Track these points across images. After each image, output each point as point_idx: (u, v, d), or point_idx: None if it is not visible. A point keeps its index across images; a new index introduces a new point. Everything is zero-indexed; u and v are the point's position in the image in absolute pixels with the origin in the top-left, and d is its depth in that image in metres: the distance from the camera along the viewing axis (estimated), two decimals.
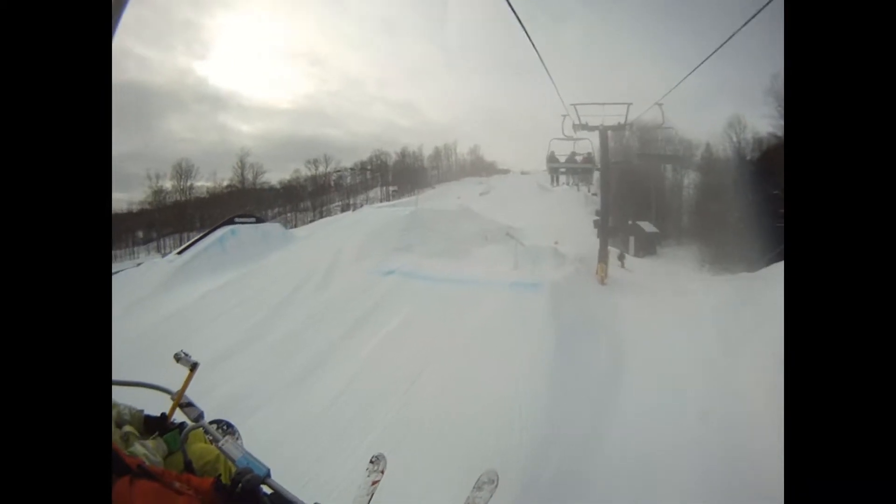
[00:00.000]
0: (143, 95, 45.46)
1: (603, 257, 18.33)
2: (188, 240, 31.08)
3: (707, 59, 11.43)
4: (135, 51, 47.23)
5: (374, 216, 22.71)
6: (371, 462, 3.97)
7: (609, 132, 17.88)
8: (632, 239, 26.39)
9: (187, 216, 43.22)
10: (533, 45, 8.35)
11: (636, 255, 25.80)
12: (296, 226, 43.07)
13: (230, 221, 28.91)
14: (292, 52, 76.09)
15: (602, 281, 18.01)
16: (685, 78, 13.77)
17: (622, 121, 17.24)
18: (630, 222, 26.97)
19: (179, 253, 27.01)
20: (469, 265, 16.89)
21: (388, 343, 12.42)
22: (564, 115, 17.70)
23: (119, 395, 2.62)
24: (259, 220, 30.63)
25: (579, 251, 20.79)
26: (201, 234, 28.92)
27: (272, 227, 29.41)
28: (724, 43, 9.02)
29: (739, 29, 7.76)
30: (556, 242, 19.22)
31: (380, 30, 76.68)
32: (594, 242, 20.47)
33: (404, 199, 44.51)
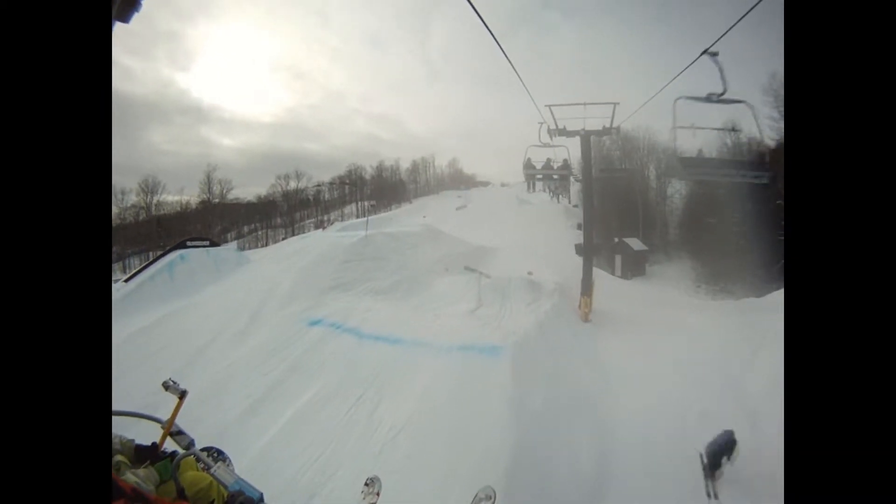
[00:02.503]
0: (125, 106, 41.51)
1: (586, 289, 14.14)
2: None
3: (702, 54, 8.14)
4: (117, 60, 43.41)
5: (319, 242, 18.43)
6: (366, 484, 3.59)
7: (592, 137, 13.75)
8: (618, 258, 22.27)
9: (154, 233, 38.62)
10: (503, 52, 6.73)
11: (623, 276, 21.66)
12: (266, 244, 38.97)
13: (182, 245, 25.39)
14: (275, 64, 72.30)
15: (586, 317, 13.85)
16: (685, 69, 10.00)
17: (607, 124, 13.17)
18: (616, 240, 22.82)
19: (127, 280, 22.87)
20: (418, 307, 12.62)
21: (285, 438, 8.31)
22: (541, 123, 13.91)
23: None
24: (213, 244, 26.61)
25: (558, 278, 16.70)
26: (150, 260, 25.66)
27: (225, 252, 25.57)
28: (720, 38, 7.20)
29: (734, 24, 6.39)
30: (529, 273, 15.03)
31: (363, 42, 73.10)
32: (575, 263, 16.28)
33: (380, 215, 40.54)
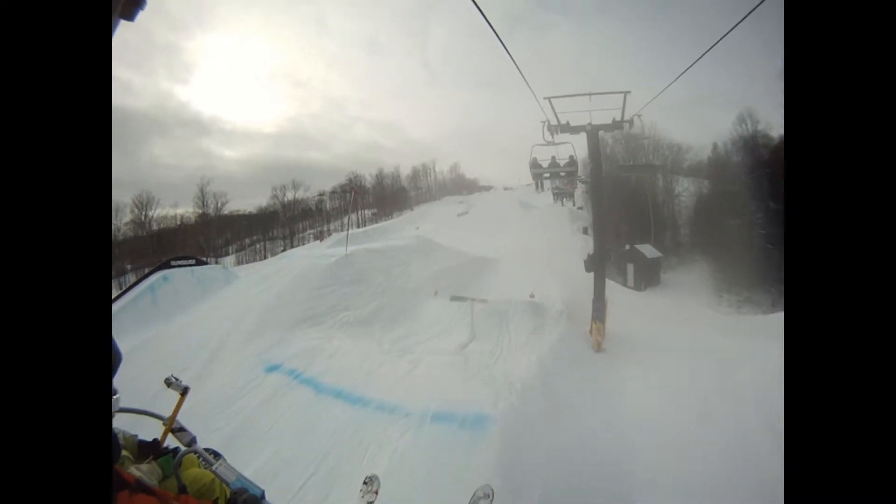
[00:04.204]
0: (126, 120, 39.92)
1: (599, 313, 11.66)
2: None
3: (709, 50, 7.07)
4: (116, 73, 41.85)
5: (297, 263, 16.16)
6: (364, 483, 3.39)
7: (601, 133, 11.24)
8: (630, 267, 19.62)
9: (150, 248, 36.58)
10: (504, 46, 5.62)
11: (636, 287, 19.04)
12: (265, 257, 36.93)
13: (166, 265, 23.46)
14: (274, 73, 70.37)
15: (598, 346, 11.37)
16: (690, 67, 8.22)
17: (618, 116, 10.67)
18: (627, 247, 20.16)
19: None
20: (398, 343, 10.26)
21: None
22: (544, 122, 11.57)
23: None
24: (199, 262, 24.59)
25: (565, 293, 14.22)
26: (133, 282, 23.93)
27: (211, 271, 23.63)
28: (723, 37, 6.17)
29: (737, 24, 5.75)
30: (531, 295, 12.55)
31: (361, 48, 71.18)
32: (582, 272, 13.70)
33: (379, 224, 38.29)
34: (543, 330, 11.02)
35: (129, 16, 1.65)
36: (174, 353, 12.67)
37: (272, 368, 9.62)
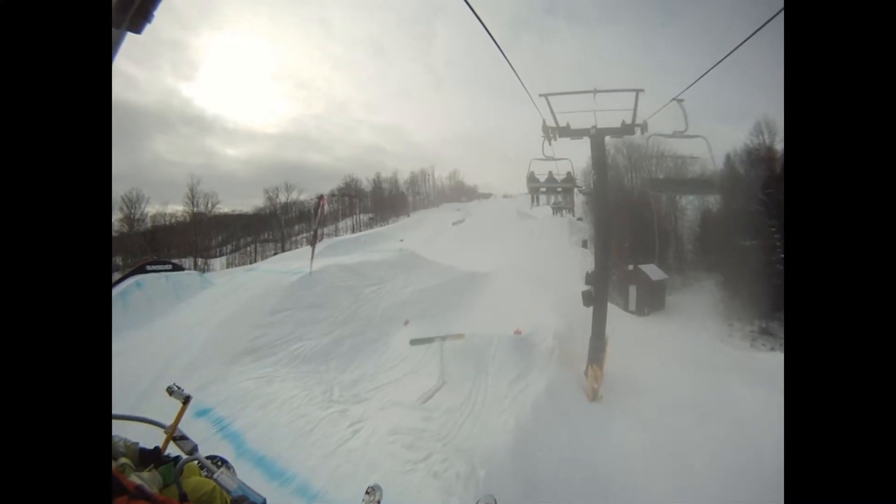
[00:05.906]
0: (130, 115, 38.67)
1: (597, 355, 9.73)
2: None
3: (725, 58, 5.93)
4: (124, 69, 40.89)
5: (260, 279, 14.30)
6: (367, 493, 3.04)
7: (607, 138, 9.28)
8: (632, 290, 17.62)
9: (140, 247, 34.94)
10: (505, 56, 5.27)
11: (638, 311, 17.04)
12: (255, 260, 35.27)
13: (141, 269, 21.94)
14: (278, 74, 69.35)
15: (594, 395, 9.43)
16: (699, 80, 7.16)
17: (628, 119, 8.75)
18: (631, 267, 18.18)
19: None
20: (351, 387, 8.39)
21: None
22: (542, 137, 9.78)
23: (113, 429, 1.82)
24: (176, 268, 23.03)
25: (559, 320, 12.29)
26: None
27: (185, 277, 22.09)
28: (732, 52, 5.70)
29: (747, 39, 5.39)
30: (516, 331, 10.62)
31: (365, 51, 69.95)
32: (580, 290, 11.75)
33: (374, 230, 36.57)
34: (529, 376, 9.11)
35: (137, 29, 1.68)
36: (115, 380, 10.90)
37: (202, 413, 7.80)
